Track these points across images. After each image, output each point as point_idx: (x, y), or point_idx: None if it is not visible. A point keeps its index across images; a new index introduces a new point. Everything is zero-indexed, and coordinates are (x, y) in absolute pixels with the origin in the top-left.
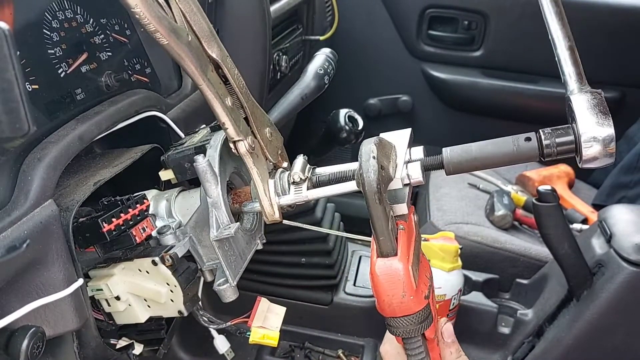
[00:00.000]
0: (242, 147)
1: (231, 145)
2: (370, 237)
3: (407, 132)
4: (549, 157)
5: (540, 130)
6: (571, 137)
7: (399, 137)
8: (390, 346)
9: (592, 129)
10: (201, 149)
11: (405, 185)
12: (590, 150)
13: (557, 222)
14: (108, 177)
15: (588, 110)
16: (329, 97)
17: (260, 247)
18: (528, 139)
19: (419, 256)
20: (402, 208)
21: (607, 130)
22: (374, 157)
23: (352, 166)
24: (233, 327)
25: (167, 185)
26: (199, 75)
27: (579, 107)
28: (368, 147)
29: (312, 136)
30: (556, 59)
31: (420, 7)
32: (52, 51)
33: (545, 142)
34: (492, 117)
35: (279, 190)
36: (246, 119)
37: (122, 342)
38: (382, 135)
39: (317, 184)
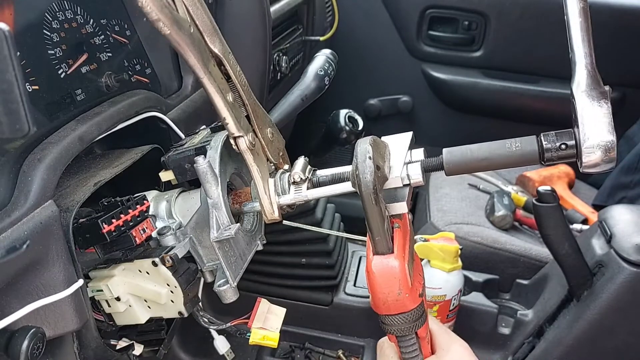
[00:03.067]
0: (243, 143)
1: (231, 141)
2: None
3: (408, 135)
4: (549, 161)
5: (541, 134)
6: (572, 142)
7: (400, 140)
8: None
9: (594, 135)
10: (201, 150)
11: (405, 185)
12: (592, 156)
13: (557, 222)
14: (108, 178)
15: (592, 115)
16: (329, 97)
17: (260, 248)
18: (529, 143)
19: (413, 254)
20: (401, 207)
21: (609, 136)
22: (369, 158)
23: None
24: (233, 328)
25: (168, 186)
26: (200, 67)
27: (583, 111)
28: (363, 147)
29: (313, 137)
30: (570, 55)
31: (420, 7)
32: (52, 52)
33: (546, 146)
34: (492, 118)
35: (279, 189)
36: (247, 116)
37: (122, 343)
38: (383, 138)
39: (318, 184)
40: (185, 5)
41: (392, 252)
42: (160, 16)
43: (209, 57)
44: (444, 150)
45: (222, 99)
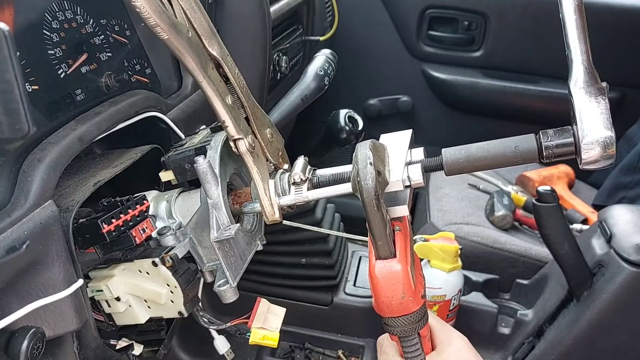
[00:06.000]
0: (242, 145)
1: (231, 143)
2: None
3: (407, 133)
4: (548, 159)
5: (540, 132)
6: (571, 139)
7: (399, 139)
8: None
9: (593, 131)
10: (201, 150)
11: (406, 187)
12: (591, 153)
13: (557, 222)
14: (108, 178)
15: (590, 111)
16: (328, 97)
17: (260, 248)
18: (527, 141)
19: (413, 255)
20: (401, 210)
21: (608, 132)
22: (370, 164)
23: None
24: (233, 328)
25: (168, 186)
26: (199, 71)
27: (581, 108)
28: (364, 152)
29: (312, 137)
30: (566, 52)
31: (420, 7)
32: (52, 52)
33: (544, 144)
34: (492, 118)
35: (279, 190)
36: (247, 118)
37: (122, 343)
38: (382, 136)
39: (318, 184)
40: (182, 9)
41: (395, 256)
42: (158, 21)
43: (207, 61)
44: (443, 150)
45: (221, 102)
